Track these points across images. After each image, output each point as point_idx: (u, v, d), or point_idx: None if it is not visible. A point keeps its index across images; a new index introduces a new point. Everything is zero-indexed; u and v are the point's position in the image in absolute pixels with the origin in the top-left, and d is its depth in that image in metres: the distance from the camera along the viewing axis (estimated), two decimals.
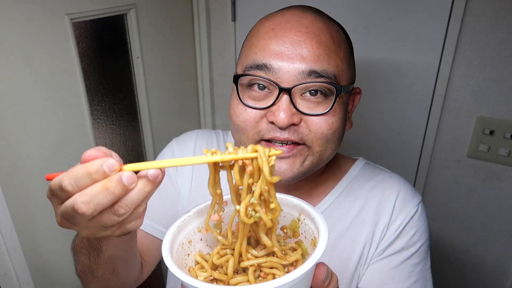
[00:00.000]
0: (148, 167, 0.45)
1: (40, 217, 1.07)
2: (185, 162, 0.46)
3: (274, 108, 0.64)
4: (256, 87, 0.66)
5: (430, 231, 0.78)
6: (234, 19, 1.47)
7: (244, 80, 0.67)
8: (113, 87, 1.26)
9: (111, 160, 0.43)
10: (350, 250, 0.74)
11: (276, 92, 0.64)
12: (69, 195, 0.42)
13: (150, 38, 1.33)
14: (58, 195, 0.43)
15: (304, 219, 0.55)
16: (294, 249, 0.55)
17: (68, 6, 1.04)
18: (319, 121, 0.65)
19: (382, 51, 1.25)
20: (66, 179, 0.42)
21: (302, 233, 0.56)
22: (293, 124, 0.64)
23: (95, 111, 1.20)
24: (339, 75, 0.65)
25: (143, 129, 1.41)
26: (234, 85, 0.68)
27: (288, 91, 0.63)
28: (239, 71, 0.69)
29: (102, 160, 0.42)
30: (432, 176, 1.32)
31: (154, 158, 1.30)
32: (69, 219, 0.44)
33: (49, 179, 0.44)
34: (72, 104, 1.10)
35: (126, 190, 0.42)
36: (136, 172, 0.45)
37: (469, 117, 1.20)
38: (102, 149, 0.46)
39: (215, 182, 0.50)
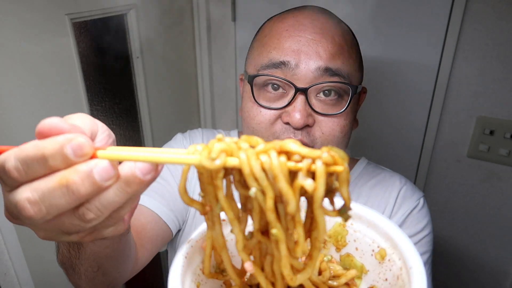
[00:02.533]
0: (138, 158, 0.32)
1: None
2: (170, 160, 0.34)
3: (289, 108, 0.64)
4: (270, 87, 0.65)
5: (432, 226, 0.79)
6: (234, 19, 1.46)
7: (259, 80, 0.66)
8: (113, 87, 1.26)
9: (80, 138, 0.30)
10: None
11: (292, 92, 0.63)
12: (15, 182, 0.31)
13: (150, 38, 1.33)
14: (3, 178, 0.31)
15: (352, 224, 0.44)
16: (338, 275, 0.43)
17: (68, 6, 1.04)
18: (332, 124, 0.65)
19: (381, 51, 1.25)
20: (12, 159, 0.30)
21: (351, 242, 0.44)
22: (307, 126, 0.64)
23: (95, 111, 1.20)
24: (352, 75, 0.66)
25: (143, 129, 1.41)
26: (249, 86, 0.67)
27: (305, 91, 0.62)
28: (252, 71, 0.68)
29: (66, 138, 0.30)
30: (432, 176, 1.32)
31: None
32: (15, 217, 0.32)
33: None
34: (72, 104, 1.10)
35: (99, 189, 0.30)
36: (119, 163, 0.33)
37: (469, 117, 1.20)
38: (75, 117, 0.34)
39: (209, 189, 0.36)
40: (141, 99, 1.36)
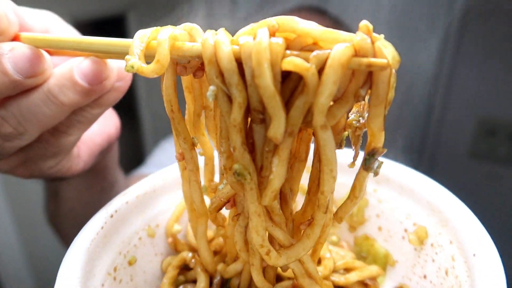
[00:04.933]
0: (70, 41, 0.23)
1: (42, 216, 1.07)
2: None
3: None
4: None
5: None
6: (234, 19, 1.46)
7: None
8: None
9: None
10: None
11: None
12: None
13: None
14: None
15: (375, 191, 0.31)
16: (349, 268, 0.30)
17: (68, 6, 1.04)
18: None
19: None
20: None
21: (372, 218, 0.31)
22: None
23: None
24: None
25: (143, 129, 1.41)
26: None
27: None
28: None
29: None
30: (433, 177, 1.32)
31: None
32: None
33: None
34: None
35: (15, 87, 0.22)
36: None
37: (469, 117, 1.20)
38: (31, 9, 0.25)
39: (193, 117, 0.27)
40: (141, 99, 1.36)
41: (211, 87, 0.21)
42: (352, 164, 0.24)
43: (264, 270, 0.27)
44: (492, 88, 1.14)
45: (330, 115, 0.21)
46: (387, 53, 0.20)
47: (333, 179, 0.22)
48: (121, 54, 0.24)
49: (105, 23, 1.19)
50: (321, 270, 0.29)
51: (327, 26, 0.69)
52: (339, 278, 0.29)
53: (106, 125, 0.34)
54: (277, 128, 0.20)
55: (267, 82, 0.19)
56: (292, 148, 0.24)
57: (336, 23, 0.71)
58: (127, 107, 1.33)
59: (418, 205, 0.29)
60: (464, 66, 1.16)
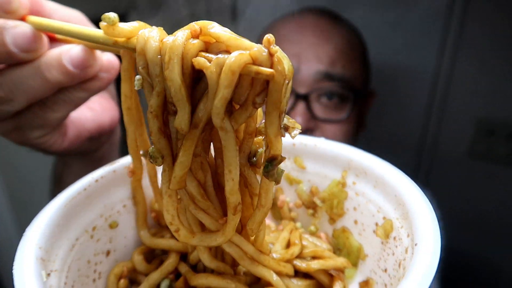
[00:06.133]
0: (66, 31, 0.26)
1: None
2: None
3: (291, 113, 0.64)
4: None
5: None
6: (234, 19, 1.46)
7: None
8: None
9: None
10: None
11: (293, 97, 0.63)
12: None
13: None
14: None
15: (354, 184, 0.31)
16: (319, 256, 0.31)
17: (68, 6, 1.04)
18: (334, 130, 0.64)
19: (381, 51, 1.25)
20: None
21: (349, 211, 0.32)
22: (308, 130, 0.64)
23: None
24: (355, 79, 0.65)
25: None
26: None
27: (305, 97, 0.62)
28: None
29: None
30: (431, 177, 1.32)
31: None
32: None
33: None
34: None
35: (9, 57, 0.26)
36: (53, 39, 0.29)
37: (469, 117, 1.20)
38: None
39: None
40: (144, 102, 1.36)
41: (137, 76, 0.25)
42: (258, 171, 0.25)
43: (216, 249, 0.29)
44: (491, 88, 1.14)
45: (233, 119, 0.23)
46: (284, 64, 0.22)
47: (232, 180, 0.24)
48: (104, 45, 0.27)
49: None
50: (283, 253, 0.30)
51: (337, 29, 0.67)
52: (301, 264, 0.30)
53: (101, 114, 0.37)
54: (181, 119, 0.23)
55: (174, 75, 0.22)
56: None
57: (347, 25, 0.70)
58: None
59: (388, 199, 0.28)
60: (463, 66, 1.16)
